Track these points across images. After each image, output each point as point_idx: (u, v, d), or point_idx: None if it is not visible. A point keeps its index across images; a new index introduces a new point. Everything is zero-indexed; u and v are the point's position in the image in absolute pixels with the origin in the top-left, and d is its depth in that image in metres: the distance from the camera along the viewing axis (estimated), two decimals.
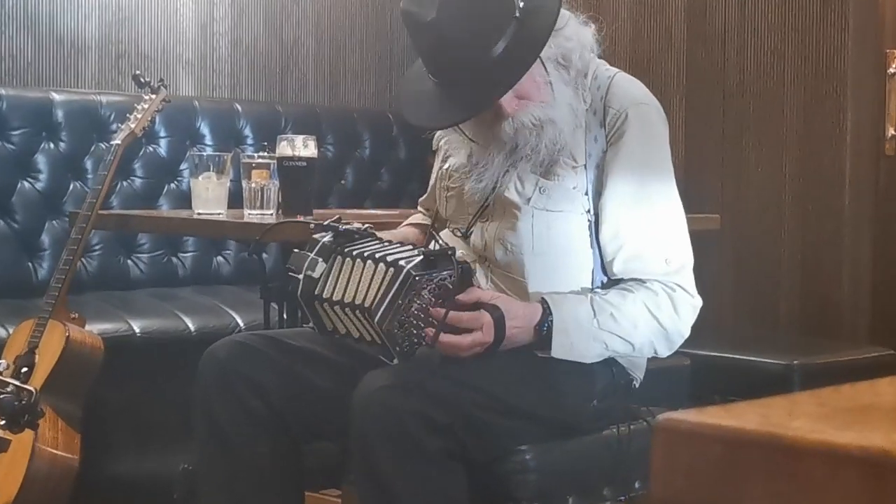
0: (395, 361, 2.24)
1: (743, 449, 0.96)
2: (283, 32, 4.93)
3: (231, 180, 3.34)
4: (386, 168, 4.93)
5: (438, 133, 2.57)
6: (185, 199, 3.92)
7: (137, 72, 3.66)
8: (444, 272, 2.20)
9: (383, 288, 2.20)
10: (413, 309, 2.18)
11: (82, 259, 4.08)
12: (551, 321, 2.27)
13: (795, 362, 3.55)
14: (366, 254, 2.27)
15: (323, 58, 5.04)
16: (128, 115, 3.48)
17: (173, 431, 3.47)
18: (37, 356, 3.24)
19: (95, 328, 3.52)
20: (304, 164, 3.12)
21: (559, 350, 2.28)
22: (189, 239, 4.41)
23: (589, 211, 2.37)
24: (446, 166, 2.52)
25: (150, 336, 3.73)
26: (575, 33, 2.36)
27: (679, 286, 2.36)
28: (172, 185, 4.41)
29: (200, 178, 3.27)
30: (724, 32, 4.50)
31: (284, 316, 3.26)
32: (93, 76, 4.47)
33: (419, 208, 2.78)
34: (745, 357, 3.63)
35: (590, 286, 2.36)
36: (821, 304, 4.25)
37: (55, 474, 3.17)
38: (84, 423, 3.29)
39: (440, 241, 2.25)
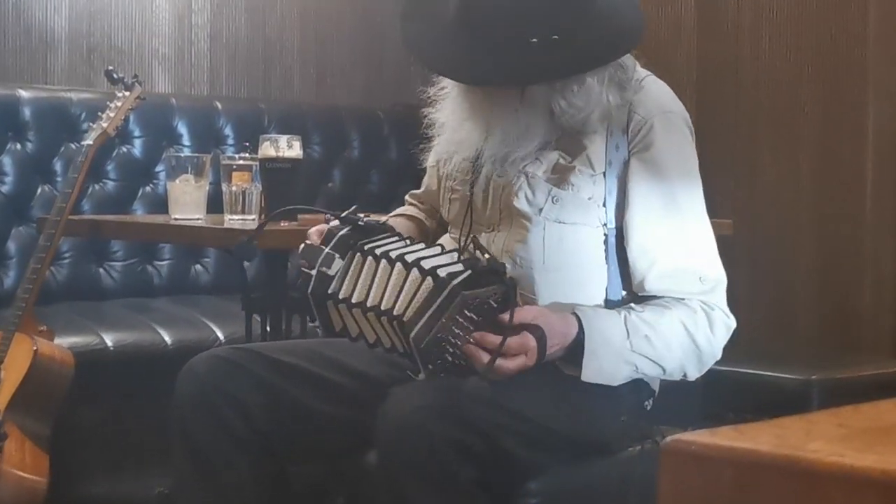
0: (421, 376, 2.22)
1: (757, 473, 0.96)
2: (266, 25, 4.93)
3: (210, 183, 3.34)
4: (376, 170, 4.92)
5: (445, 116, 2.53)
6: (161, 204, 3.91)
7: (110, 67, 3.66)
8: (490, 290, 2.17)
9: (421, 300, 2.17)
10: (452, 327, 2.16)
11: (51, 268, 4.07)
12: (583, 339, 2.26)
13: (814, 377, 3.55)
14: (393, 255, 2.23)
15: (309, 52, 5.04)
16: (100, 113, 3.47)
17: (149, 453, 3.47)
18: (2, 372, 3.23)
19: (65, 342, 3.51)
20: (289, 165, 3.12)
21: (588, 373, 2.28)
22: (165, 246, 4.40)
23: (605, 224, 2.37)
24: (451, 166, 2.52)
25: (124, 350, 3.73)
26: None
27: (717, 306, 2.37)
28: (147, 189, 4.41)
29: (178, 180, 3.27)
30: (738, 23, 4.51)
31: (268, 328, 3.26)
32: (62, 72, 4.47)
33: (409, 199, 2.77)
34: (759, 372, 3.63)
35: (603, 304, 2.37)
36: (841, 314, 4.25)
37: (22, 498, 3.16)
38: (53, 443, 3.28)
39: (486, 253, 2.22)
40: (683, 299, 2.35)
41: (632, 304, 2.35)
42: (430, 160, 2.66)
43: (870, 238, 4.21)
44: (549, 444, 2.29)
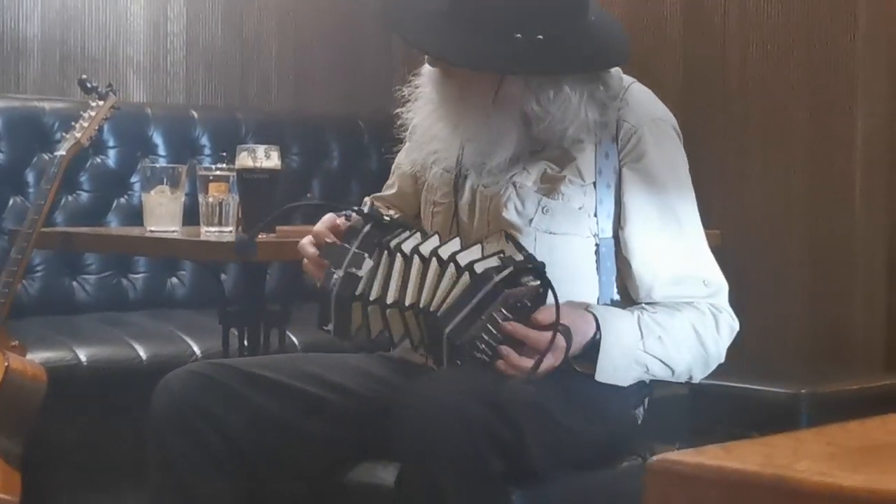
0: (443, 367, 2.22)
1: (744, 493, 0.97)
2: (243, 31, 4.93)
3: (186, 194, 3.34)
4: (356, 180, 4.91)
5: (418, 119, 2.53)
6: (135, 215, 3.91)
7: (83, 76, 3.65)
8: (530, 288, 2.19)
9: (457, 296, 2.18)
10: (488, 325, 2.17)
11: (23, 281, 4.07)
12: (599, 339, 2.29)
13: (803, 391, 3.57)
14: (426, 251, 2.23)
15: (287, 59, 5.04)
16: (73, 123, 3.47)
17: (123, 471, 3.47)
18: None
19: (38, 357, 3.51)
20: (267, 176, 3.11)
21: (603, 373, 2.31)
22: (140, 259, 4.40)
23: (596, 234, 2.39)
24: (430, 178, 2.53)
25: (98, 365, 3.72)
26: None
27: (724, 308, 2.42)
28: (122, 200, 4.40)
29: (153, 192, 3.27)
30: (724, 27, 4.52)
31: (245, 343, 3.26)
32: (34, 81, 4.46)
33: (374, 203, 2.74)
34: (748, 385, 3.64)
35: None
36: (831, 326, 4.25)
37: None
38: (25, 461, 3.27)
39: (523, 250, 2.23)
40: (692, 302, 2.39)
41: (644, 305, 2.38)
42: (402, 164, 2.65)
43: (861, 248, 4.22)
44: (565, 448, 2.31)
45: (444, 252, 2.22)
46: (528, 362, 2.19)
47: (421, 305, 2.22)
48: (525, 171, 2.40)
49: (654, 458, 1.00)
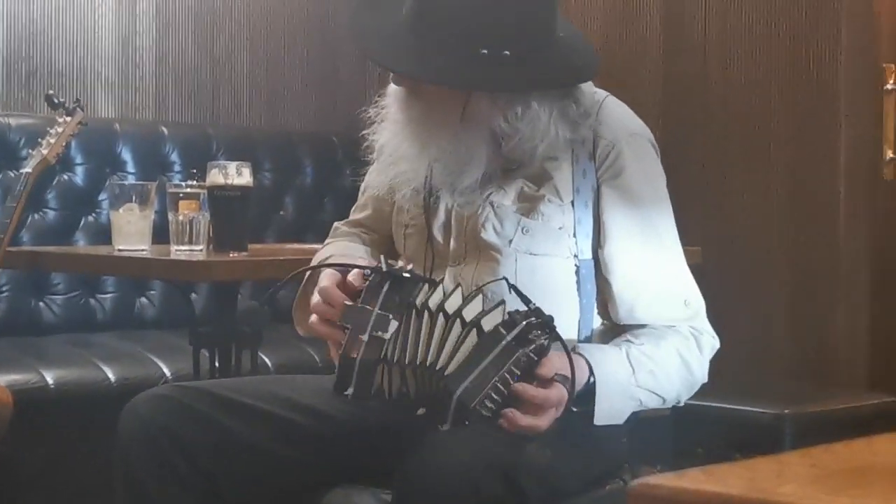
0: (446, 426, 2.19)
1: None
2: (214, 47, 4.92)
3: (156, 212, 3.33)
4: (330, 198, 4.92)
5: (384, 140, 2.52)
6: (104, 234, 3.90)
7: (50, 91, 3.65)
8: (538, 345, 2.16)
9: (466, 354, 2.16)
10: (498, 384, 2.15)
11: None
12: (594, 383, 2.28)
13: (786, 411, 3.57)
14: (435, 307, 2.20)
15: (259, 74, 5.04)
16: (40, 139, 3.46)
17: (91, 494, 3.44)
18: None
19: (3, 379, 3.49)
20: (238, 193, 3.11)
21: (601, 417, 2.31)
22: (108, 278, 4.39)
23: (576, 255, 2.38)
24: (401, 199, 2.52)
25: (66, 388, 3.71)
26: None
27: (705, 329, 2.42)
28: (90, 218, 4.39)
29: (121, 209, 3.26)
30: (705, 44, 4.53)
31: (216, 364, 3.25)
32: (0, 96, 4.45)
33: (349, 230, 2.70)
34: (730, 406, 3.64)
35: (576, 337, 2.37)
36: (814, 345, 4.27)
37: None
38: None
39: (530, 303, 2.20)
40: (674, 326, 2.39)
41: (629, 337, 2.37)
42: (371, 185, 2.64)
43: (844, 266, 4.23)
44: (559, 489, 2.29)
45: (450, 306, 2.20)
46: (534, 421, 2.17)
47: (427, 364, 2.19)
48: (502, 190, 2.39)
49: (635, 482, 1.00)
